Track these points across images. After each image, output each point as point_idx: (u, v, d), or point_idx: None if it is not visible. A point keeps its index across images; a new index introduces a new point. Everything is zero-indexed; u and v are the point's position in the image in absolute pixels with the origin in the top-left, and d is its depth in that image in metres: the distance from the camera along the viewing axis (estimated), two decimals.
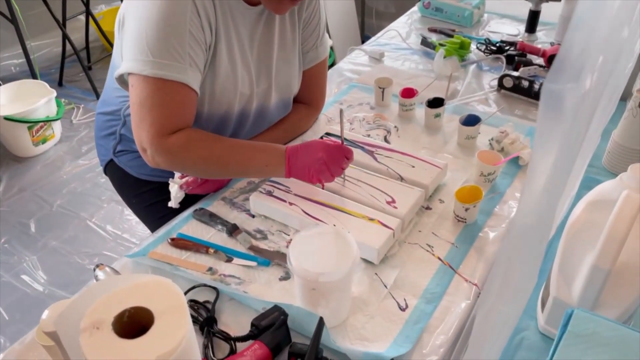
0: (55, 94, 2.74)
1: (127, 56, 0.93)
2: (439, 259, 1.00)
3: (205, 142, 1.01)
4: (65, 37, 3.19)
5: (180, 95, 0.94)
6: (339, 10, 3.30)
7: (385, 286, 0.94)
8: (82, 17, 3.35)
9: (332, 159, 1.01)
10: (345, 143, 1.22)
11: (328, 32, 1.32)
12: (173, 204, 1.12)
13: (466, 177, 1.20)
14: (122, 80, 1.04)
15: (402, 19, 2.01)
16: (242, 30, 1.06)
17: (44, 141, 2.75)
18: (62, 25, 3.17)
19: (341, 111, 1.06)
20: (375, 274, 0.97)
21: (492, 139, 1.28)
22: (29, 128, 2.64)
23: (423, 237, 1.04)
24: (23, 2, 3.02)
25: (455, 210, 1.07)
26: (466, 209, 1.05)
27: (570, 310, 0.58)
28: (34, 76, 3.06)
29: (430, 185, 1.11)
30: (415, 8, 2.06)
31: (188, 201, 1.14)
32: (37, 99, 2.66)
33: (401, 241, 1.03)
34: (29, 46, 3.03)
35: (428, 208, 1.11)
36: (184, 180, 1.11)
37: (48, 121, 2.71)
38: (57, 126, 2.83)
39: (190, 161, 0.99)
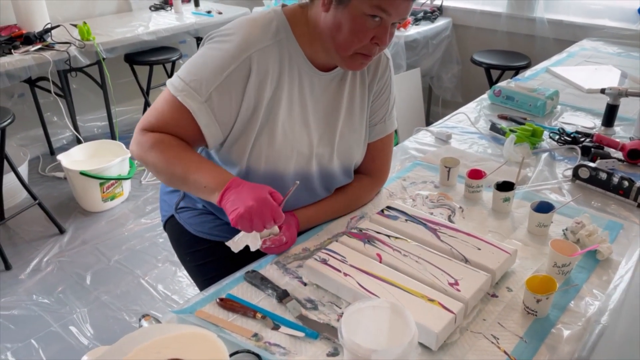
0: (129, 155, 2.89)
1: (177, 73, 1.09)
2: (505, 353, 0.90)
3: (167, 149, 1.05)
4: (147, 104, 3.42)
5: (182, 116, 1.05)
6: (406, 96, 3.36)
7: None
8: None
9: (259, 213, 0.96)
10: (407, 219, 1.18)
11: None
12: (233, 246, 1.05)
13: (537, 266, 1.10)
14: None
15: (471, 105, 2.00)
16: (307, 93, 1.12)
17: (112, 198, 2.87)
18: (146, 94, 3.41)
19: (295, 183, 1.03)
20: None
21: (566, 229, 1.19)
22: (101, 184, 2.77)
23: (487, 327, 0.95)
24: (115, 71, 3.29)
25: (525, 301, 0.98)
26: (537, 301, 0.95)
27: None
28: (113, 138, 3.27)
29: (498, 271, 1.03)
30: (484, 95, 2.05)
31: (244, 259, 1.12)
32: (113, 158, 2.81)
33: (463, 328, 0.94)
34: (113, 111, 3.26)
35: (494, 295, 1.02)
36: (268, 235, 1.06)
37: (119, 179, 2.85)
38: (126, 185, 2.96)
39: (150, 160, 1.06)
